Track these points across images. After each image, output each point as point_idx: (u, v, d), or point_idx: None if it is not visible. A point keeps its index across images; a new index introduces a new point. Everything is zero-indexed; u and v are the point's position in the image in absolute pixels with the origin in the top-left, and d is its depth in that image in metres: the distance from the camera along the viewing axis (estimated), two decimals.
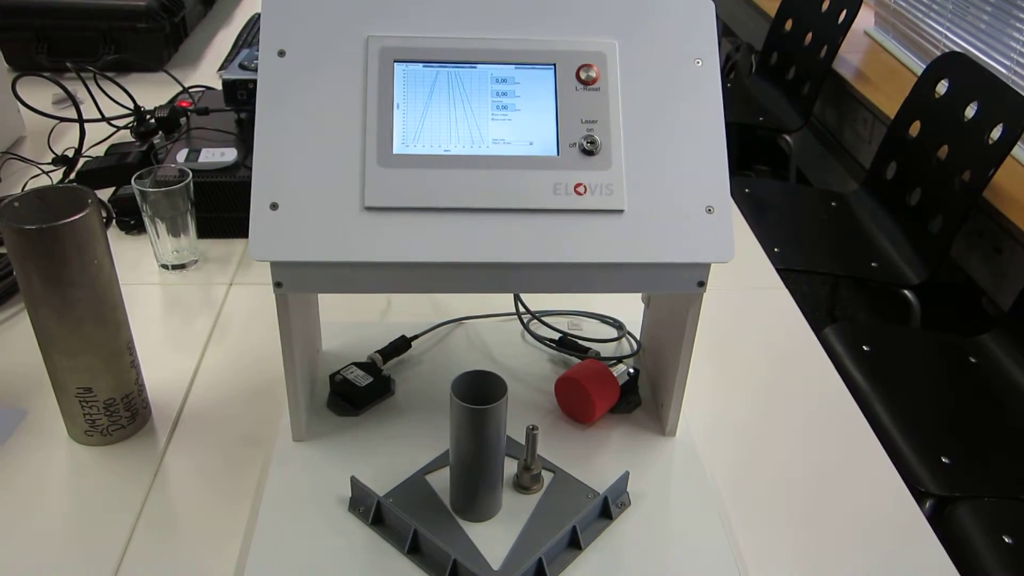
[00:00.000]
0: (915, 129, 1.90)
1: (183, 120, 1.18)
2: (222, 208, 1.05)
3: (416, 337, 0.89)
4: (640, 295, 0.91)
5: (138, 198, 0.97)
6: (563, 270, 0.68)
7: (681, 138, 0.68)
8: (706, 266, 0.68)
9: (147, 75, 1.53)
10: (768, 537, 0.71)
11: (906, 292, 1.74)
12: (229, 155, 1.07)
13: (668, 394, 0.77)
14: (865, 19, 2.65)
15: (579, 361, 0.84)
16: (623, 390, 0.80)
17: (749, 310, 1.00)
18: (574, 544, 0.67)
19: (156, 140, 1.19)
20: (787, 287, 1.05)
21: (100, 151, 1.20)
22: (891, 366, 1.45)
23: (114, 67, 1.49)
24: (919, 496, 1.17)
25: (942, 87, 1.87)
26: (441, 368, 0.86)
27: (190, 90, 1.31)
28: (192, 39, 1.79)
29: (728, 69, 3.16)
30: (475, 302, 0.96)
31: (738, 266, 1.08)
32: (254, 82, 1.09)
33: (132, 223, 1.08)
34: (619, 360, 0.86)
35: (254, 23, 1.78)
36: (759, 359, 0.92)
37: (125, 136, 1.24)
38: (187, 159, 1.06)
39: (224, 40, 1.79)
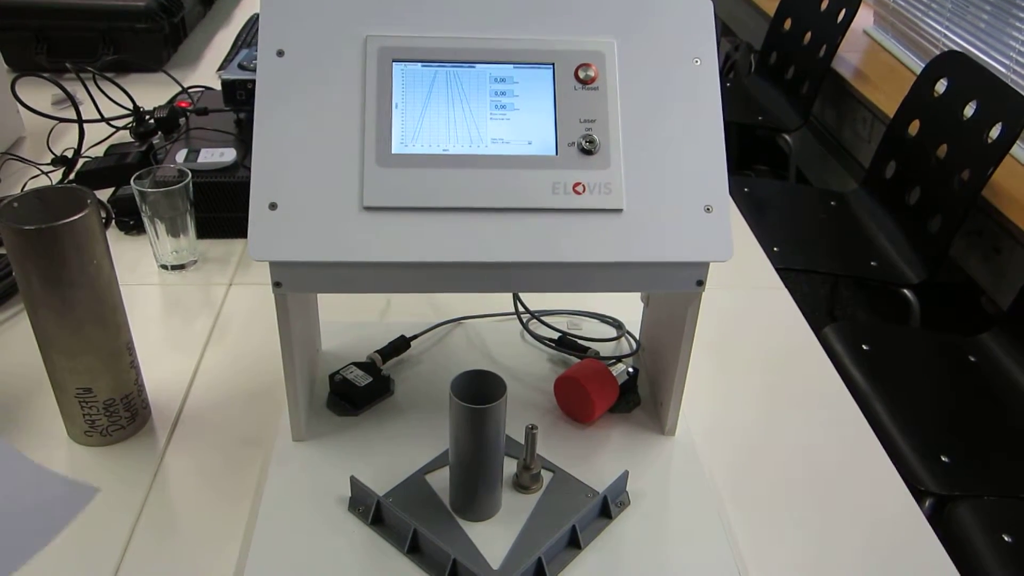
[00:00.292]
0: (914, 128, 1.91)
1: (182, 120, 1.18)
2: (221, 208, 1.06)
3: (415, 337, 0.89)
4: (639, 294, 0.91)
5: (137, 198, 0.97)
6: (562, 269, 0.68)
7: (680, 137, 0.68)
8: (705, 265, 0.68)
9: (146, 75, 1.53)
10: (767, 536, 0.71)
11: (905, 291, 1.74)
12: (228, 155, 1.07)
13: (667, 393, 0.77)
14: (864, 18, 2.65)
15: (578, 360, 0.84)
16: (622, 389, 0.80)
17: (748, 309, 1.00)
18: (573, 543, 0.67)
19: (155, 140, 1.19)
20: (787, 287, 1.05)
21: (99, 151, 1.20)
22: (891, 365, 1.45)
23: (113, 67, 1.49)
24: (919, 495, 1.17)
25: (941, 86, 1.87)
26: (440, 368, 0.86)
27: (189, 90, 1.31)
28: (191, 39, 1.79)
29: (727, 68, 3.16)
30: (474, 302, 0.96)
31: (737, 266, 1.08)
32: (253, 82, 1.10)
33: (131, 223, 1.08)
34: (618, 359, 0.86)
35: (253, 23, 1.78)
36: (758, 358, 0.92)
37: (124, 136, 1.24)
38: (186, 159, 1.06)
39: (223, 40, 1.79)
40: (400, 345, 0.86)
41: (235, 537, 0.69)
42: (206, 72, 1.62)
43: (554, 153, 0.67)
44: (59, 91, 1.18)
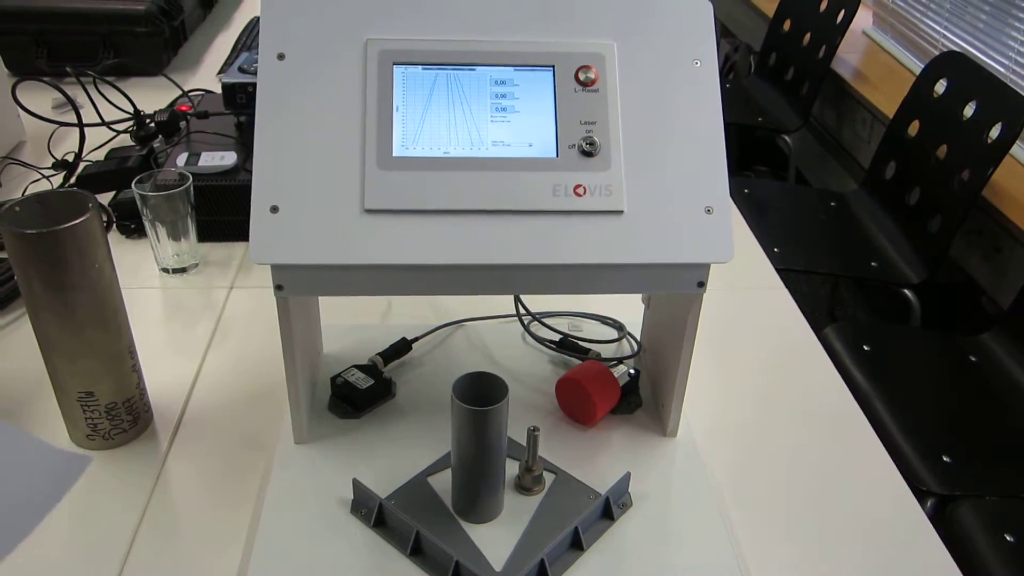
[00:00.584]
0: (914, 129, 1.91)
1: (183, 124, 1.18)
2: (222, 211, 1.06)
3: (417, 339, 0.89)
4: (640, 296, 0.91)
5: (138, 202, 0.97)
6: (563, 271, 0.68)
7: (680, 139, 0.68)
8: (706, 266, 0.68)
9: (146, 79, 1.53)
10: (769, 537, 0.71)
11: (906, 291, 1.74)
12: (229, 158, 1.07)
13: (669, 395, 0.77)
14: (863, 19, 2.65)
15: (580, 362, 0.84)
16: (624, 391, 0.80)
17: (749, 310, 1.00)
18: (576, 545, 0.67)
19: (156, 144, 1.19)
20: (787, 287, 1.05)
21: (100, 155, 1.20)
22: (891, 365, 1.45)
23: (113, 71, 1.49)
24: (920, 495, 1.17)
25: (941, 86, 1.88)
26: (442, 370, 0.86)
27: (189, 94, 1.31)
28: (191, 43, 1.80)
29: (727, 70, 3.17)
30: (475, 304, 0.96)
31: (738, 266, 1.09)
32: (253, 85, 1.10)
33: (132, 227, 1.08)
34: (619, 361, 0.86)
35: (253, 26, 1.78)
36: (759, 359, 0.92)
37: (125, 140, 1.24)
38: (187, 163, 1.06)
39: (223, 44, 1.79)
40: (401, 347, 0.86)
41: (237, 540, 0.69)
42: (206, 75, 1.62)
43: (555, 155, 0.67)
44: (60, 95, 1.19)
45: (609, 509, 0.70)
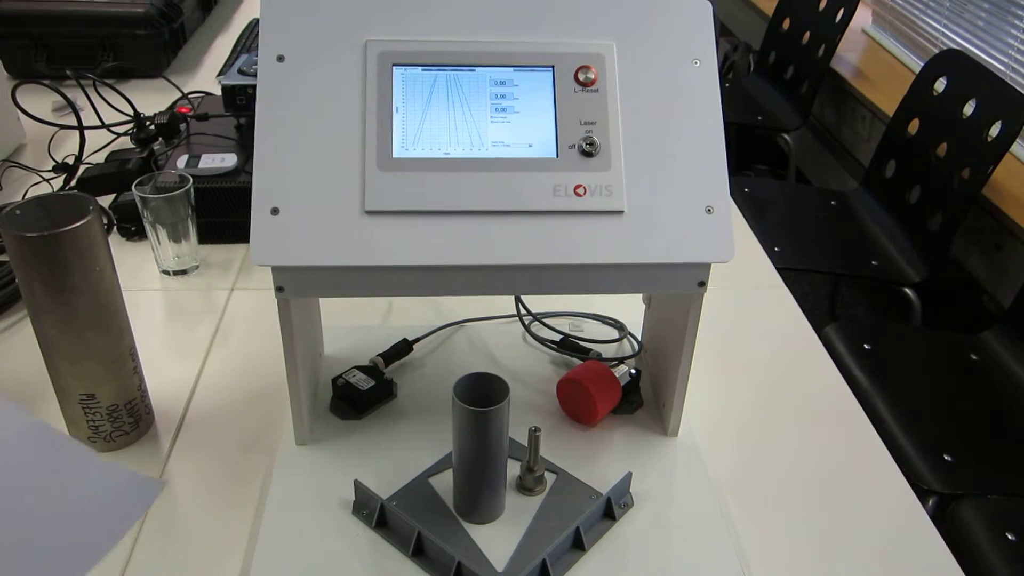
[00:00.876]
0: (914, 127, 1.91)
1: (183, 126, 1.18)
2: (223, 213, 1.06)
3: (418, 340, 0.89)
4: (641, 296, 0.91)
5: (139, 204, 0.97)
6: (564, 271, 0.68)
7: (680, 139, 0.68)
8: (706, 266, 0.68)
9: (146, 81, 1.53)
10: (771, 536, 0.71)
11: (907, 290, 1.74)
12: (229, 160, 1.07)
13: (670, 394, 0.77)
14: (863, 17, 2.65)
15: (580, 362, 0.84)
16: (625, 391, 0.80)
17: (750, 310, 1.00)
18: (577, 545, 0.67)
19: (156, 146, 1.19)
20: (787, 286, 1.05)
21: (100, 158, 1.20)
22: (892, 364, 1.45)
23: (113, 74, 1.50)
24: (922, 494, 1.17)
25: (940, 85, 1.87)
26: (443, 371, 0.86)
27: (189, 96, 1.31)
28: (191, 45, 1.80)
29: (726, 69, 3.17)
30: (476, 304, 0.96)
31: (738, 266, 1.09)
32: (253, 87, 1.10)
33: (133, 229, 1.09)
34: (620, 361, 0.86)
35: (253, 28, 1.78)
36: (760, 358, 0.92)
37: (125, 143, 1.24)
38: (187, 165, 1.06)
39: (223, 45, 1.79)
40: (402, 348, 0.86)
41: (239, 541, 0.69)
42: (206, 77, 1.62)
43: (555, 155, 0.67)
44: (60, 98, 1.19)
45: (610, 509, 0.70)
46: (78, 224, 0.66)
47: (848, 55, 2.50)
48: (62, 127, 1.24)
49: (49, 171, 1.19)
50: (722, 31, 3.45)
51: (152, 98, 1.35)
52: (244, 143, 1.12)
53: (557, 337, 0.89)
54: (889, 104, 2.09)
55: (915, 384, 1.43)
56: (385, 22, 0.68)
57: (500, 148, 0.67)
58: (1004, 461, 1.27)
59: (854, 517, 0.73)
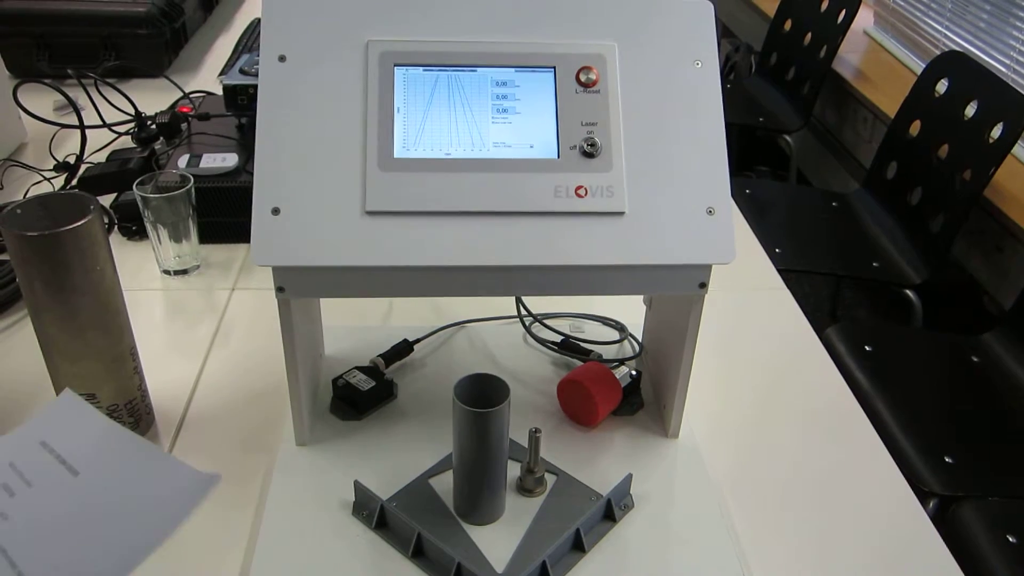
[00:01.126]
0: (915, 128, 1.90)
1: (184, 126, 1.18)
2: (224, 213, 1.06)
3: (418, 341, 0.89)
4: (641, 297, 0.91)
5: (140, 204, 0.97)
6: (564, 272, 0.68)
7: (681, 140, 0.68)
8: (707, 267, 0.68)
9: (148, 81, 1.53)
10: (772, 538, 0.71)
11: (908, 292, 1.74)
12: (230, 160, 1.07)
13: (670, 396, 0.77)
14: (864, 19, 2.65)
15: (581, 363, 0.84)
16: (625, 392, 0.80)
17: (750, 311, 1.00)
18: (578, 547, 0.67)
19: (157, 146, 1.19)
20: (788, 287, 1.05)
21: (101, 157, 1.21)
22: (893, 366, 1.45)
23: (115, 73, 1.50)
24: (922, 496, 1.17)
25: (942, 86, 1.87)
26: (443, 371, 0.86)
27: (191, 95, 1.31)
28: (192, 44, 1.80)
29: (728, 70, 3.16)
30: (477, 305, 0.96)
31: (739, 267, 1.08)
32: (255, 87, 1.10)
33: (134, 229, 1.08)
34: (621, 362, 0.86)
35: (254, 28, 1.78)
36: (761, 360, 0.92)
37: (126, 142, 1.24)
38: (188, 164, 1.06)
39: (224, 45, 1.79)
40: (403, 349, 0.86)
41: (239, 542, 0.69)
42: (207, 77, 1.62)
43: (556, 156, 0.67)
44: (61, 97, 1.19)
45: (611, 511, 0.70)
46: (79, 223, 0.66)
47: (850, 56, 2.50)
48: (63, 126, 1.24)
49: (50, 170, 1.19)
50: (724, 32, 3.45)
51: (153, 97, 1.35)
52: (245, 143, 1.12)
53: (558, 338, 0.89)
54: (890, 105, 2.09)
55: (916, 386, 1.42)
56: (387, 22, 0.68)
57: (501, 149, 0.67)
58: (1005, 463, 1.27)
59: (854, 519, 0.73)
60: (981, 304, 2.02)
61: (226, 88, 1.11)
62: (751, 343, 0.95)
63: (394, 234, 0.64)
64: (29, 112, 1.24)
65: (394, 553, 0.66)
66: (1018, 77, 1.97)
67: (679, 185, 0.67)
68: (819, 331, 0.98)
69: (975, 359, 1.48)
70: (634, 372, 0.82)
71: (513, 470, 0.72)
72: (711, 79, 0.69)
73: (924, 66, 1.94)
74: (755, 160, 2.95)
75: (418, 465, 0.74)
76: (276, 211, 0.64)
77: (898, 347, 1.52)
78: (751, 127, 2.55)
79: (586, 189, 0.66)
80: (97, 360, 0.72)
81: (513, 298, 0.94)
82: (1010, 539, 1.11)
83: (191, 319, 0.95)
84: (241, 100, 1.11)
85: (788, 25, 2.66)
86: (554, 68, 0.68)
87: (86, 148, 1.18)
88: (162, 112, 1.22)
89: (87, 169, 1.17)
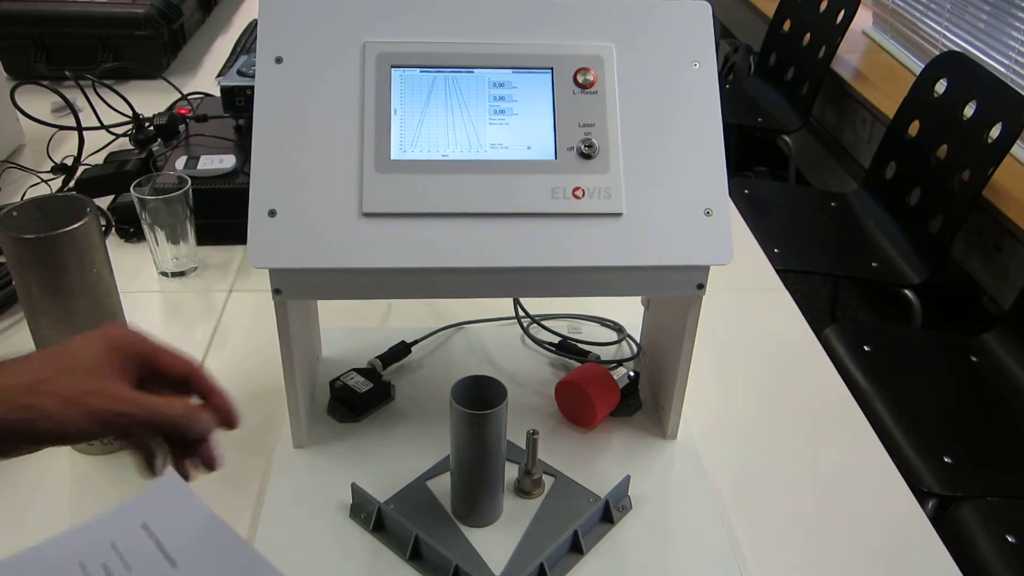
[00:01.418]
0: (914, 129, 1.90)
1: (182, 127, 1.18)
2: (221, 215, 1.05)
3: (416, 342, 0.88)
4: (639, 298, 0.91)
5: (137, 206, 0.97)
6: (562, 274, 0.68)
7: (679, 141, 0.68)
8: (705, 268, 0.68)
9: (145, 82, 1.53)
10: (770, 539, 0.71)
11: (907, 292, 1.74)
12: (228, 162, 1.07)
13: (669, 397, 0.77)
14: (863, 19, 2.65)
15: (579, 365, 0.84)
16: (623, 393, 0.80)
17: (749, 311, 1.00)
18: (576, 549, 0.67)
19: (155, 147, 1.19)
20: (787, 288, 1.05)
21: (99, 159, 1.20)
22: (892, 366, 1.45)
23: (112, 75, 1.49)
24: (921, 496, 1.17)
25: (941, 86, 1.87)
26: (441, 373, 0.86)
27: (188, 97, 1.31)
28: (190, 46, 1.79)
29: (727, 70, 3.16)
30: (474, 306, 0.96)
31: (738, 267, 1.08)
32: (252, 88, 1.09)
33: (131, 231, 1.08)
34: (619, 363, 0.86)
35: (252, 29, 1.78)
36: (760, 360, 0.92)
37: (124, 144, 1.24)
38: (186, 166, 1.06)
39: (222, 47, 1.79)
40: (400, 351, 0.86)
41: None
42: (205, 79, 1.62)
43: (553, 158, 0.66)
44: (59, 99, 1.18)
45: (609, 512, 0.69)
46: (75, 226, 0.66)
47: (848, 56, 2.50)
48: (61, 128, 1.24)
49: (48, 172, 1.19)
50: (723, 33, 3.45)
51: (151, 99, 1.35)
52: (243, 144, 1.12)
53: (555, 339, 0.89)
54: (889, 106, 2.09)
55: (915, 386, 1.42)
56: (384, 24, 0.68)
57: (498, 150, 0.66)
58: (1004, 463, 1.27)
59: (853, 520, 0.73)
60: (980, 304, 2.02)
61: (224, 90, 1.11)
62: (750, 344, 0.94)
63: (391, 236, 0.64)
64: (27, 114, 1.24)
65: (391, 556, 0.66)
66: (1017, 77, 1.97)
67: (677, 186, 0.67)
68: (818, 331, 0.98)
69: (974, 359, 1.48)
70: (632, 373, 0.82)
71: (511, 472, 0.72)
72: (709, 80, 0.69)
73: (923, 66, 1.94)
74: (754, 160, 2.95)
75: (416, 467, 0.73)
76: (273, 213, 0.64)
77: (897, 347, 1.52)
78: (750, 127, 2.55)
79: (584, 190, 0.66)
80: None
81: (511, 299, 0.94)
82: (1009, 539, 1.11)
83: (188, 321, 0.95)
84: (239, 102, 1.11)
85: (787, 25, 2.66)
86: (551, 69, 0.68)
87: (84, 150, 1.18)
88: (160, 114, 1.22)
89: (85, 171, 1.16)
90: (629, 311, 0.93)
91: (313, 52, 0.67)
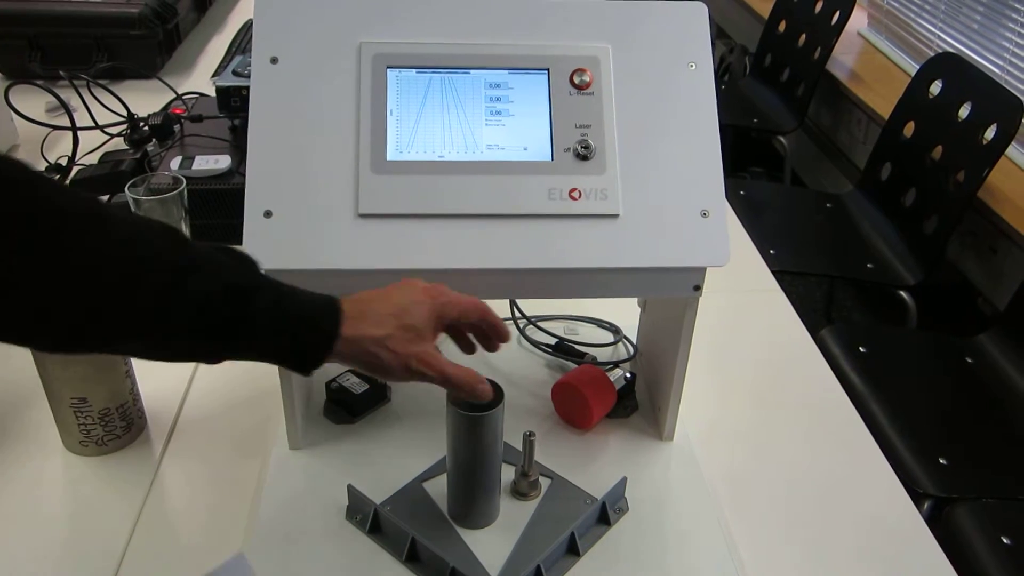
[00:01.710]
0: (909, 130, 1.91)
1: (177, 127, 1.18)
2: (216, 215, 1.05)
3: None
4: (636, 299, 0.91)
5: (132, 206, 0.97)
6: (559, 275, 0.67)
7: (675, 142, 0.68)
8: (702, 270, 0.68)
9: (140, 82, 1.52)
10: (766, 540, 0.71)
11: (902, 293, 1.74)
12: (223, 162, 1.06)
13: (665, 398, 0.77)
14: (858, 20, 2.66)
15: (575, 366, 0.84)
16: (620, 395, 0.80)
17: (745, 313, 1.00)
18: (572, 550, 0.67)
19: (150, 147, 1.19)
20: (782, 289, 1.05)
21: (94, 159, 1.20)
22: (888, 367, 1.45)
23: (107, 74, 1.49)
24: (917, 497, 1.17)
25: (936, 88, 1.88)
26: None
27: (183, 97, 1.31)
28: (185, 46, 1.79)
29: (722, 71, 3.17)
30: None
31: (733, 269, 1.08)
32: (247, 89, 1.09)
33: None
34: (616, 365, 0.86)
35: (247, 29, 1.77)
36: (755, 362, 0.92)
37: (119, 144, 1.24)
38: (181, 166, 1.06)
39: (217, 47, 1.78)
40: None
41: (232, 546, 0.68)
42: (200, 79, 1.62)
43: (550, 159, 0.66)
44: (53, 99, 1.18)
45: (605, 514, 0.69)
46: None
47: (844, 58, 2.50)
48: (55, 128, 1.23)
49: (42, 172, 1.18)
50: (718, 33, 3.45)
51: (146, 99, 1.34)
52: (238, 145, 1.12)
53: (552, 341, 0.89)
54: (884, 107, 2.09)
55: (910, 387, 1.42)
56: (380, 24, 0.68)
57: (495, 151, 0.66)
58: (999, 464, 1.27)
59: (849, 520, 0.73)
60: (975, 305, 2.03)
61: (219, 90, 1.11)
62: (745, 345, 0.94)
63: (387, 237, 0.64)
64: (21, 114, 1.23)
65: (388, 558, 0.66)
66: (1011, 79, 1.97)
67: (673, 187, 0.67)
68: (813, 333, 0.98)
69: (969, 360, 1.48)
70: (628, 374, 0.82)
71: (507, 473, 0.71)
72: (705, 81, 0.69)
73: (918, 68, 1.94)
74: (749, 161, 2.95)
75: (412, 469, 0.73)
76: (268, 214, 0.64)
77: (892, 348, 1.52)
78: (745, 128, 2.55)
79: (580, 192, 0.66)
80: (89, 364, 0.71)
81: (507, 300, 0.93)
82: (1004, 540, 1.11)
83: None
84: (234, 102, 1.11)
85: (782, 26, 2.66)
86: (548, 70, 0.68)
87: (78, 150, 1.17)
88: (155, 114, 1.22)
89: (79, 171, 1.16)
90: (625, 312, 0.93)
91: (309, 53, 0.66)
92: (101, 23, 1.53)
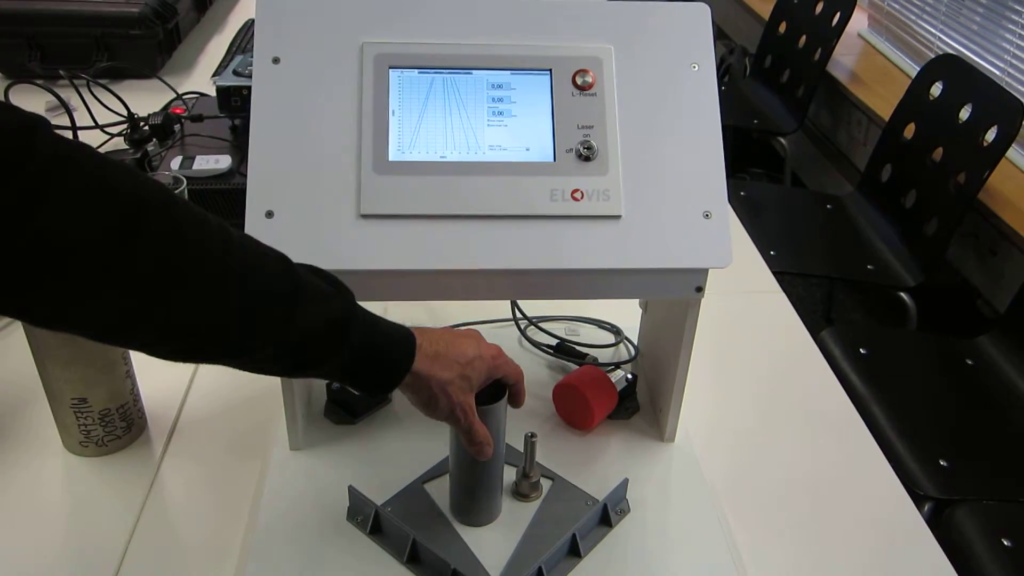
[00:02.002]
0: (910, 131, 1.91)
1: (177, 127, 1.18)
2: (217, 215, 1.05)
3: None
4: (637, 300, 0.91)
5: None
6: (560, 276, 0.67)
7: (678, 143, 0.67)
8: (704, 272, 0.68)
9: (141, 82, 1.52)
10: (768, 541, 0.71)
11: (902, 294, 1.74)
12: (224, 162, 1.06)
13: (666, 400, 0.77)
14: (858, 21, 2.66)
15: (577, 367, 0.84)
16: (621, 396, 0.80)
17: (746, 314, 1.00)
18: (574, 552, 0.67)
19: (150, 147, 1.18)
20: (783, 290, 1.05)
21: None
22: (888, 369, 1.45)
23: (107, 74, 1.49)
24: (917, 499, 1.17)
25: (936, 89, 1.88)
26: None
27: (184, 97, 1.31)
28: (186, 45, 1.79)
29: (722, 72, 3.17)
30: (472, 308, 0.95)
31: (734, 270, 1.07)
32: (248, 88, 1.09)
33: None
34: (617, 366, 0.85)
35: (248, 29, 1.77)
36: (756, 363, 0.92)
37: (119, 143, 1.23)
38: (181, 166, 1.05)
39: (218, 46, 1.78)
40: None
41: (233, 547, 0.68)
42: (201, 78, 1.61)
43: (552, 160, 0.66)
44: (53, 98, 1.18)
45: (607, 515, 0.69)
46: None
47: (844, 59, 2.50)
48: (55, 127, 1.23)
49: None
50: (718, 34, 3.46)
51: (146, 99, 1.34)
52: (239, 145, 1.12)
53: (553, 341, 0.89)
54: (885, 108, 2.09)
55: (911, 389, 1.42)
56: (382, 24, 0.67)
57: (497, 152, 0.66)
58: (1000, 466, 1.27)
59: (850, 522, 0.73)
60: (975, 307, 2.03)
61: (219, 89, 1.11)
62: (746, 346, 0.94)
63: (389, 238, 0.64)
64: None
65: (389, 559, 0.66)
66: (1012, 80, 1.97)
67: (676, 189, 0.67)
68: (814, 334, 0.98)
69: (969, 362, 1.48)
70: (630, 376, 0.81)
71: (509, 475, 0.71)
72: (708, 82, 0.69)
73: (918, 69, 1.94)
74: (749, 162, 2.96)
75: (413, 469, 0.73)
76: (270, 214, 0.63)
77: (893, 350, 1.52)
78: (745, 129, 2.55)
79: (582, 192, 0.66)
80: (89, 364, 0.71)
81: (508, 301, 0.93)
82: (1005, 542, 1.11)
83: None
84: (235, 102, 1.11)
85: (783, 28, 2.66)
86: (550, 71, 0.68)
87: None
88: (155, 113, 1.21)
89: None
90: (627, 313, 0.93)
91: (310, 53, 0.66)
92: (101, 22, 1.53)
